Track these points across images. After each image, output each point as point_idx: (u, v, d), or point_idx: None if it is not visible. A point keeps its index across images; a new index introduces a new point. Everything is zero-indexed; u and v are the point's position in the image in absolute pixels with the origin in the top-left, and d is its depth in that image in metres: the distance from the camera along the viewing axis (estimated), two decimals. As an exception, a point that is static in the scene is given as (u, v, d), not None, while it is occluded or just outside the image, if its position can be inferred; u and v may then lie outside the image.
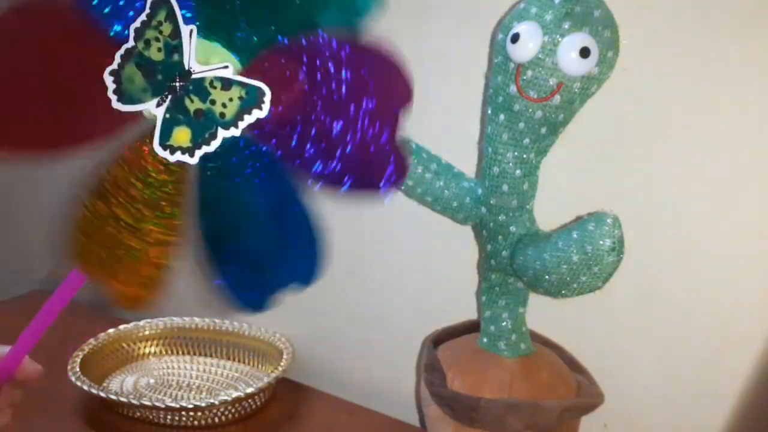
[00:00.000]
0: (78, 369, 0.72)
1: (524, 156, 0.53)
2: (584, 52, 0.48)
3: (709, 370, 0.59)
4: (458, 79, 0.66)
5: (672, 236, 0.58)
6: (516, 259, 0.55)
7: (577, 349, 0.62)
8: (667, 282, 0.59)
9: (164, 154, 0.41)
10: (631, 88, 0.56)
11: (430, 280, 0.74)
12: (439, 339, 0.65)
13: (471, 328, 0.65)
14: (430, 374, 0.59)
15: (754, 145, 0.54)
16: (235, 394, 0.68)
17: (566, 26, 0.48)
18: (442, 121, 0.68)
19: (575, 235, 0.49)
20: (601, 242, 0.48)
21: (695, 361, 0.59)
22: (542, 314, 0.62)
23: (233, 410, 0.70)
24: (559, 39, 0.48)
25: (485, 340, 0.60)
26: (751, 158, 0.54)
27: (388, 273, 0.77)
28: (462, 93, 0.65)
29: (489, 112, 0.54)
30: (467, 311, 0.69)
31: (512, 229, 0.55)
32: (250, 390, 0.68)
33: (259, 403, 0.73)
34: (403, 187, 0.59)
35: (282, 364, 0.74)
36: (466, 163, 0.63)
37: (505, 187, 0.54)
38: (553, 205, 0.59)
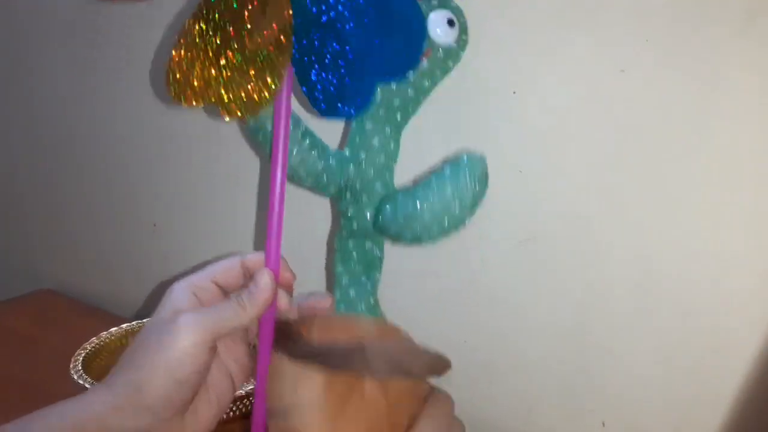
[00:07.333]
0: (80, 367, 0.74)
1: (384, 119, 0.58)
2: (450, 23, 0.58)
3: (708, 368, 0.60)
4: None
5: (670, 234, 0.60)
6: (384, 209, 0.57)
7: (575, 346, 0.62)
8: (665, 279, 0.60)
9: None
10: (627, 89, 0.59)
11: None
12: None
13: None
14: (284, 340, 0.55)
15: (752, 144, 0.55)
16: (237, 392, 0.59)
17: (434, 2, 0.58)
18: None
19: (447, 172, 0.54)
20: (470, 173, 0.54)
21: (694, 359, 0.60)
22: (540, 312, 0.62)
23: (235, 408, 0.72)
24: (429, 12, 0.58)
25: (343, 307, 0.59)
26: (749, 156, 0.55)
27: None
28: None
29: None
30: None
31: (378, 186, 0.59)
32: (251, 387, 0.68)
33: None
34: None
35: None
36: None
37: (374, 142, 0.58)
38: (555, 203, 0.62)
